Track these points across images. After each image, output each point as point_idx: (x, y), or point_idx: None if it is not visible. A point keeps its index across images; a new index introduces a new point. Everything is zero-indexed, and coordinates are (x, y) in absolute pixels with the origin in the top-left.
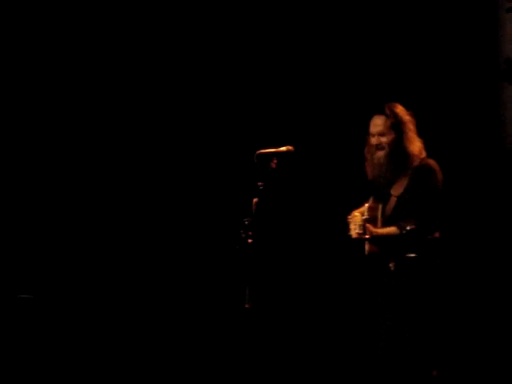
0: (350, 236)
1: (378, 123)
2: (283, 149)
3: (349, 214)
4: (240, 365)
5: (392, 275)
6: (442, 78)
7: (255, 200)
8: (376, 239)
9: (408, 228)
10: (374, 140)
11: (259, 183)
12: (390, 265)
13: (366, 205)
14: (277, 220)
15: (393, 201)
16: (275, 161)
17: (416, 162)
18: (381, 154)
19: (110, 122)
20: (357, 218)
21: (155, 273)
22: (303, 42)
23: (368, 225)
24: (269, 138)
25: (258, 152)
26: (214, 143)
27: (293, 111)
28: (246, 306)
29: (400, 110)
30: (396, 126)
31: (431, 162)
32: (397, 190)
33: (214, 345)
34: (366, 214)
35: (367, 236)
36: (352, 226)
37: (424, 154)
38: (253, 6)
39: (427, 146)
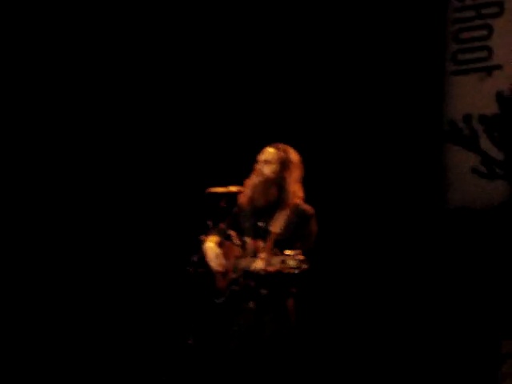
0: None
1: (267, 152)
2: (233, 189)
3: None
4: None
5: (253, 314)
6: (387, 139)
7: (204, 237)
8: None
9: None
10: (257, 166)
11: (209, 221)
12: (250, 304)
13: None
14: None
15: (272, 237)
16: (225, 200)
17: (291, 201)
18: (256, 179)
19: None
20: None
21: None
22: None
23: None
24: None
25: (208, 191)
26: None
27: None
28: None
29: (292, 151)
30: (283, 161)
31: (310, 207)
32: (276, 228)
33: None
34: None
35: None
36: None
37: (301, 200)
38: None
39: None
